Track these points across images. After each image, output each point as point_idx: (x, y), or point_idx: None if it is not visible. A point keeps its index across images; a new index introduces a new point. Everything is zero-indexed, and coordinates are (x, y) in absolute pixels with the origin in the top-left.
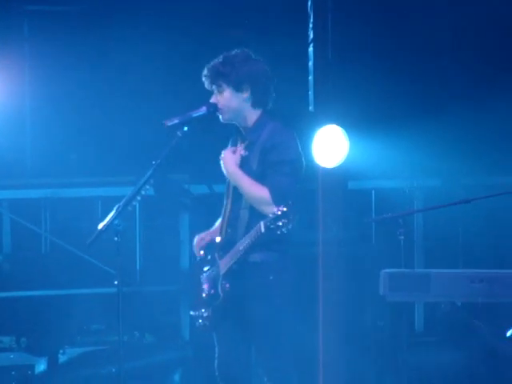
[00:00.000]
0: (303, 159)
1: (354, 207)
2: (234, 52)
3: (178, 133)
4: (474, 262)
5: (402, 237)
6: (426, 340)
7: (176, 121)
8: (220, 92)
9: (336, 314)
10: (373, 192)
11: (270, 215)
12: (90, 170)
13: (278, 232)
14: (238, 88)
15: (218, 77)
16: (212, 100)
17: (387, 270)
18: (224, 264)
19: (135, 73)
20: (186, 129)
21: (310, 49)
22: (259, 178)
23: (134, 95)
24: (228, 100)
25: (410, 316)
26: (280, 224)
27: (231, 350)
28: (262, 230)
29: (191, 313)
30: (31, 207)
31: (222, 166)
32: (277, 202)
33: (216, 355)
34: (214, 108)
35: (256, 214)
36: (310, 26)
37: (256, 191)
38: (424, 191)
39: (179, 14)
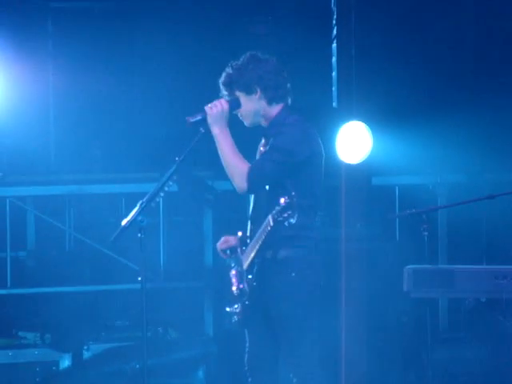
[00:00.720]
0: (317, 153)
1: (378, 203)
2: (240, 58)
3: (201, 129)
4: (498, 258)
5: (426, 233)
6: (450, 336)
7: (199, 117)
8: None
9: (359, 310)
10: (396, 188)
11: (277, 207)
12: (113, 166)
13: (286, 223)
14: (248, 91)
15: (230, 86)
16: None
17: (411, 266)
18: (245, 259)
19: (160, 68)
20: None
21: (334, 45)
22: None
23: (158, 91)
24: (244, 105)
25: (434, 312)
26: (286, 215)
27: (260, 346)
28: (271, 223)
29: (227, 309)
30: (55, 204)
31: (208, 118)
32: (251, 181)
33: (246, 350)
34: (237, 103)
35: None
36: (334, 22)
37: (236, 161)
38: (448, 187)
39: (203, 9)
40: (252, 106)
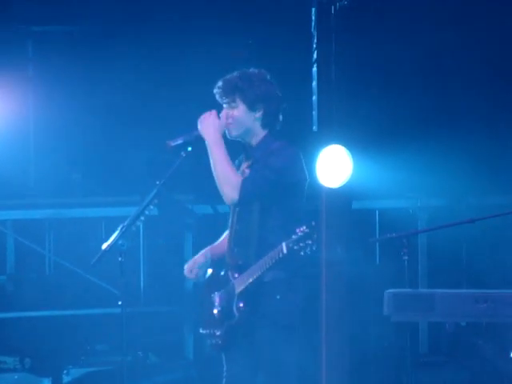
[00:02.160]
0: (296, 176)
1: (358, 227)
2: (251, 70)
3: (182, 153)
4: (478, 282)
5: (406, 257)
6: (430, 360)
7: (180, 141)
8: (232, 107)
9: (339, 333)
10: (377, 212)
11: (293, 236)
12: (93, 189)
13: (302, 253)
14: (251, 106)
15: (233, 91)
16: (222, 114)
17: (391, 290)
18: (239, 283)
19: (140, 92)
20: (189, 149)
21: (314, 69)
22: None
23: (137, 115)
24: (240, 117)
25: (415, 336)
26: (302, 245)
27: (239, 371)
28: (285, 251)
29: (201, 331)
30: (35, 227)
31: (201, 128)
32: (243, 193)
33: (224, 374)
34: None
35: (269, 231)
36: (314, 46)
37: (229, 170)
38: (428, 211)
39: (183, 33)
40: (247, 122)
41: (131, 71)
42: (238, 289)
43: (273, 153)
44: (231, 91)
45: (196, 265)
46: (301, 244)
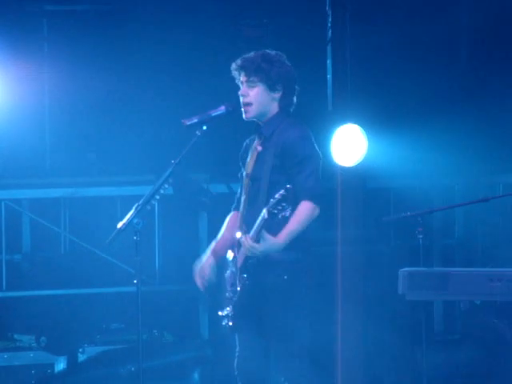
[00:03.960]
0: (319, 154)
1: (373, 206)
2: (272, 52)
3: (197, 132)
4: (492, 260)
5: (421, 236)
6: (445, 338)
7: (195, 120)
8: (251, 87)
9: (355, 312)
10: (391, 191)
11: (271, 200)
12: (109, 169)
13: (280, 216)
14: (272, 87)
15: (255, 71)
16: (241, 92)
17: (406, 269)
18: (240, 258)
19: (154, 71)
20: (204, 128)
21: (329, 47)
22: (275, 171)
23: (152, 94)
24: (258, 95)
25: (429, 315)
26: (280, 208)
27: (250, 350)
28: (266, 216)
29: (219, 313)
30: (50, 206)
31: (271, 250)
32: (317, 202)
33: (236, 354)
34: (233, 107)
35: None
36: (329, 25)
37: (302, 218)
38: (443, 190)
39: (197, 14)
40: (266, 102)
41: (145, 50)
42: (239, 263)
43: (289, 146)
44: (252, 71)
45: (205, 273)
46: (278, 207)
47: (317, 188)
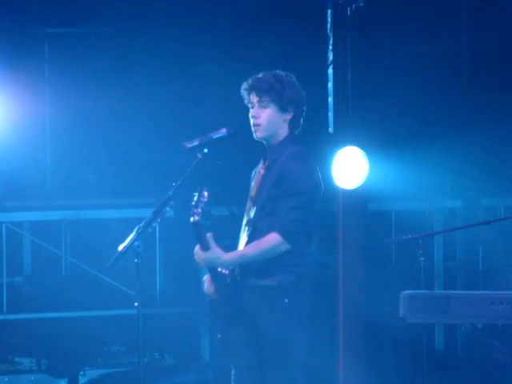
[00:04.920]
0: (319, 186)
1: (374, 229)
2: (282, 72)
3: (198, 154)
4: (494, 283)
5: (422, 258)
6: (446, 361)
7: (196, 142)
8: (262, 107)
9: (356, 335)
10: (393, 213)
11: (193, 203)
12: (110, 191)
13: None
14: (283, 108)
15: (267, 92)
16: (253, 113)
17: (407, 292)
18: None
19: (156, 94)
20: (206, 150)
21: (330, 70)
22: (270, 200)
23: (154, 116)
24: (270, 117)
25: (431, 338)
26: (195, 211)
27: (246, 372)
28: (191, 220)
29: (219, 336)
30: (51, 229)
31: (213, 262)
32: (287, 238)
33: (232, 377)
34: (235, 130)
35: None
36: (330, 47)
37: (263, 246)
38: (444, 212)
39: (199, 35)
40: (277, 123)
41: (146, 73)
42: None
43: (285, 174)
44: (264, 91)
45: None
46: (194, 210)
47: (293, 224)
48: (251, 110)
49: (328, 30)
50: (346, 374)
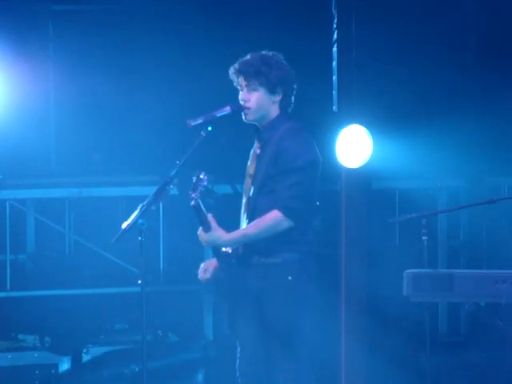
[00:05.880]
0: (317, 160)
1: (378, 207)
2: (269, 53)
3: (202, 132)
4: (498, 262)
5: (426, 237)
6: (449, 340)
7: (200, 120)
8: (251, 90)
9: (359, 314)
10: (397, 192)
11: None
12: (114, 169)
13: (193, 203)
14: (271, 90)
15: (254, 75)
16: (241, 97)
17: (411, 271)
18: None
19: (161, 71)
20: (210, 128)
21: (334, 49)
22: (269, 178)
23: (159, 94)
24: (259, 100)
25: (434, 316)
26: (193, 196)
27: (251, 350)
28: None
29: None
30: (55, 206)
31: (215, 243)
32: (288, 215)
33: (238, 355)
34: (239, 108)
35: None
36: (334, 26)
37: (265, 224)
38: (448, 191)
39: (201, 15)
40: (266, 105)
41: (151, 50)
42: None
43: (283, 150)
44: (251, 75)
45: (211, 267)
46: (193, 195)
47: (293, 201)
48: (240, 93)
49: (332, 8)
50: (349, 353)
